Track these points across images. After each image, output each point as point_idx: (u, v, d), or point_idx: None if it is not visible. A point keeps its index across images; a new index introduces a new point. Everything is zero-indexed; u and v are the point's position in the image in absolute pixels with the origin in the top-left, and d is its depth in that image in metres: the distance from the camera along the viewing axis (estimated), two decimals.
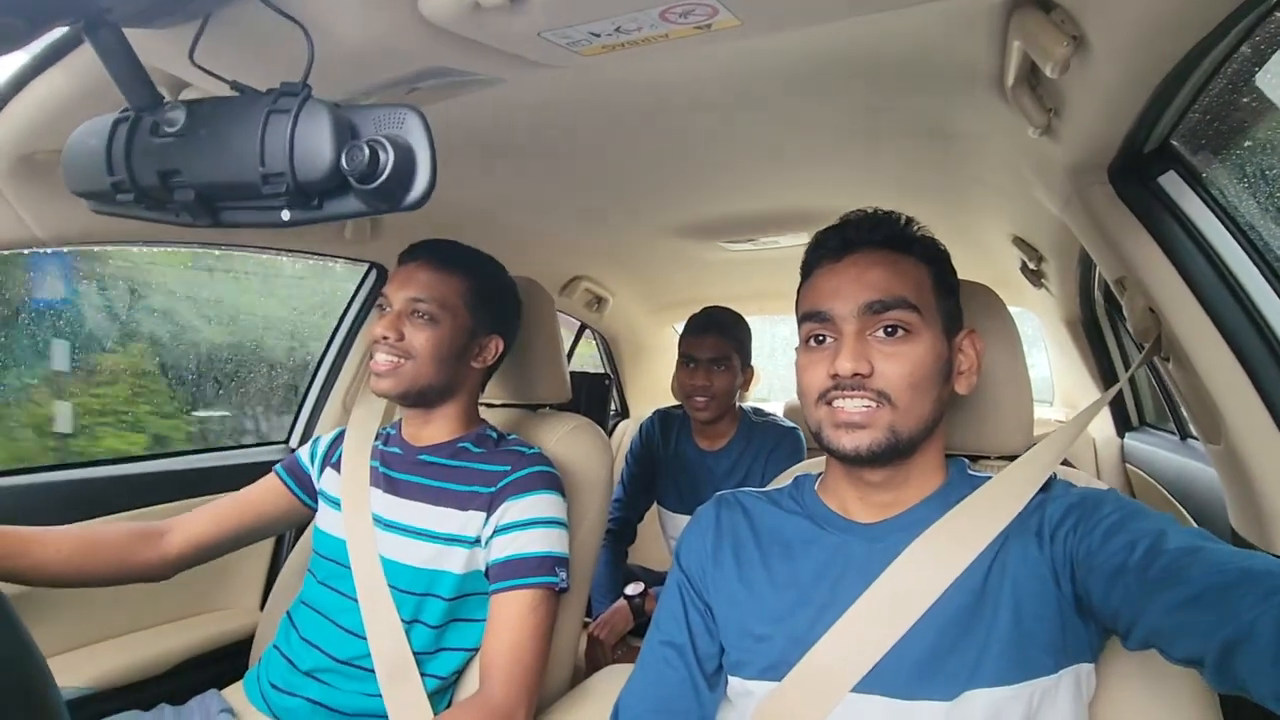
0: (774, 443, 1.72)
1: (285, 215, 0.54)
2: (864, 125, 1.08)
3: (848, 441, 0.69)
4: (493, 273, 1.13)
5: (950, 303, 0.75)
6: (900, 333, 0.69)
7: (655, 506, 1.96)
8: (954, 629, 0.66)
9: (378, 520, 1.05)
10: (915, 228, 0.76)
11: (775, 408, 2.73)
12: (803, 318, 0.75)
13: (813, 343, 0.74)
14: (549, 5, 0.54)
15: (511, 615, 0.96)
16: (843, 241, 0.75)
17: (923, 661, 0.65)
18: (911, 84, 0.91)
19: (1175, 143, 0.86)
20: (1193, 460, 1.37)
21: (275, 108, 0.52)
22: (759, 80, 0.89)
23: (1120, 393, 1.94)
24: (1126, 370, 1.82)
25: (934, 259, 0.76)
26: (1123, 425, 1.97)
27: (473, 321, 1.07)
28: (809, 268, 0.78)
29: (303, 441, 1.63)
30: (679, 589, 0.82)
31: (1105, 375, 1.90)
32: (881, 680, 0.66)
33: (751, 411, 1.83)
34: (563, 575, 1.00)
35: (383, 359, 1.02)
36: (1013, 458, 0.86)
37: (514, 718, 0.92)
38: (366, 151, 0.49)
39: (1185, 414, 0.92)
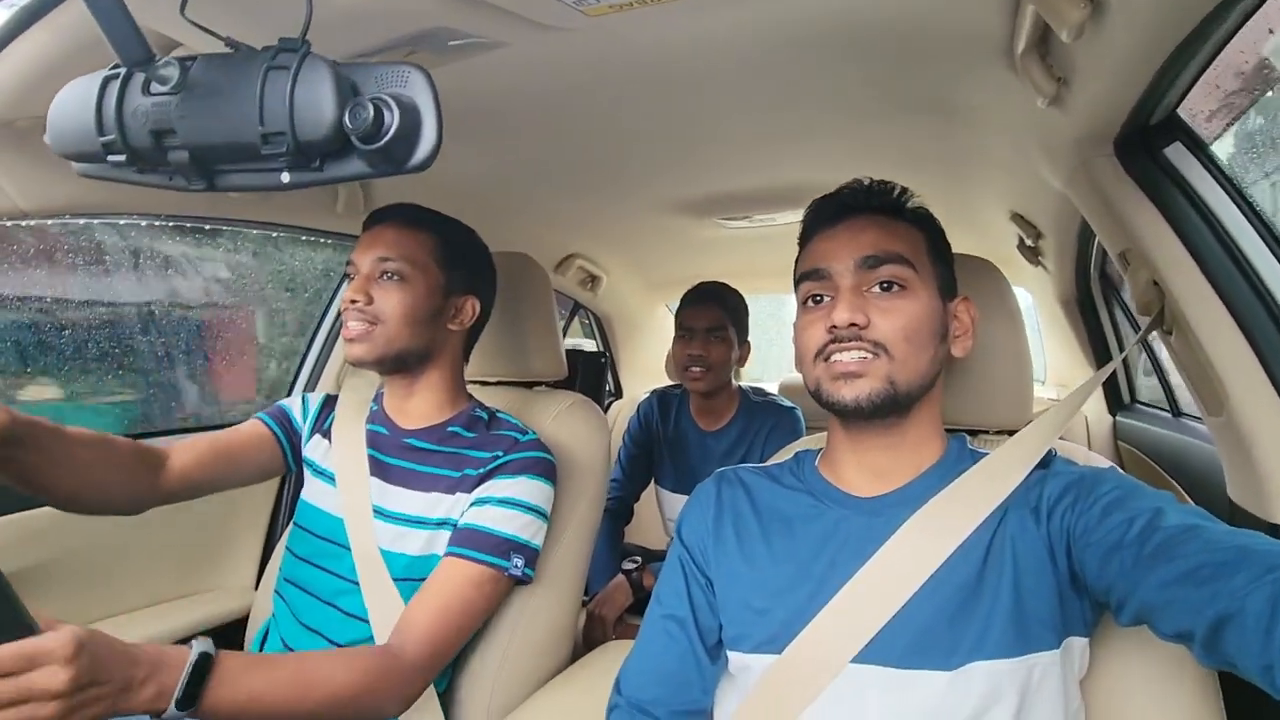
0: (774, 422, 1.73)
1: (285, 178, 0.53)
2: (865, 97, 1.07)
3: (847, 392, 0.70)
4: (464, 231, 1.09)
5: (944, 269, 0.76)
6: (896, 288, 0.71)
7: (653, 486, 1.96)
8: (956, 601, 0.66)
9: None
10: (908, 197, 0.78)
11: (770, 387, 2.76)
12: (800, 279, 0.78)
13: (810, 303, 0.76)
14: None
15: (450, 582, 0.93)
16: (839, 207, 0.78)
17: (923, 632, 0.66)
18: (916, 53, 0.89)
19: (1180, 114, 0.86)
20: (1187, 437, 1.38)
21: (274, 64, 0.50)
22: (761, 50, 0.88)
23: (1114, 372, 1.96)
24: (1121, 347, 1.83)
25: (927, 226, 0.78)
26: (1115, 404, 1.98)
27: (445, 280, 1.03)
28: (806, 235, 0.81)
29: None
30: (680, 563, 0.82)
31: (1098, 353, 1.91)
32: (881, 651, 0.67)
33: (751, 391, 1.83)
34: (518, 562, 0.96)
35: (354, 325, 0.98)
36: (1012, 432, 0.87)
37: (414, 683, 0.88)
38: (371, 110, 0.47)
39: (1186, 387, 0.91)
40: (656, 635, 0.80)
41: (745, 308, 1.80)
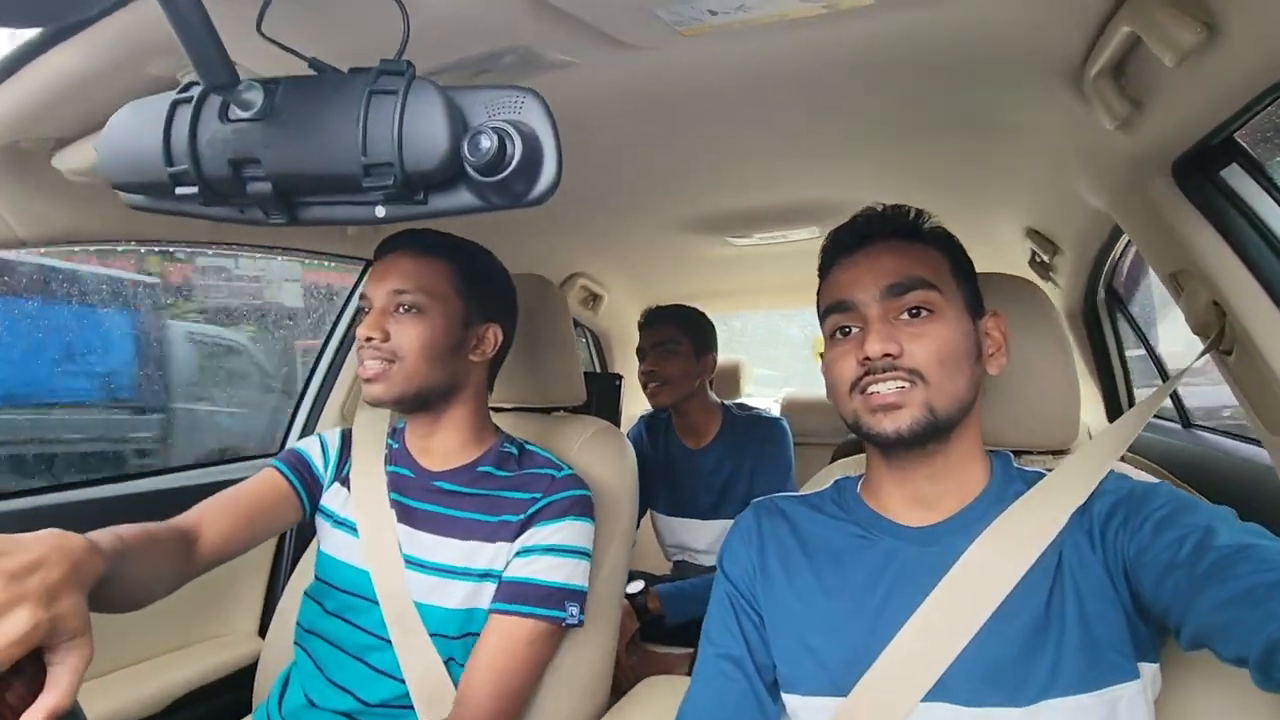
0: (761, 434, 1.75)
1: (380, 212, 0.48)
2: (900, 116, 1.05)
3: (888, 424, 0.68)
4: (480, 255, 1.02)
5: (969, 287, 0.76)
6: (924, 313, 0.70)
7: (649, 514, 1.93)
8: (1025, 632, 0.64)
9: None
10: (926, 219, 0.77)
11: (765, 402, 2.75)
12: (826, 312, 0.76)
13: (839, 335, 0.74)
14: None
15: (507, 641, 0.89)
16: (857, 236, 0.77)
17: (993, 668, 0.64)
18: (970, 73, 0.88)
19: (1238, 137, 0.86)
20: (1200, 447, 1.40)
21: (377, 88, 0.45)
22: (807, 70, 0.85)
23: (1113, 380, 1.99)
24: (1122, 357, 1.86)
25: (947, 245, 0.77)
26: (1115, 414, 2.01)
27: (465, 309, 0.96)
28: (826, 266, 0.80)
29: None
30: (729, 600, 0.79)
31: (1100, 365, 1.94)
32: (949, 689, 0.64)
33: (734, 407, 1.86)
34: (573, 610, 0.92)
35: (370, 364, 0.91)
36: (1058, 452, 0.85)
37: None
38: (495, 139, 0.43)
39: (1243, 407, 0.91)
40: (713, 676, 0.77)
41: (705, 322, 1.83)
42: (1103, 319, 1.83)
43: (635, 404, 2.75)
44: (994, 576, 0.66)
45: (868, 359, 0.68)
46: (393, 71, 0.45)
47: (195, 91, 0.48)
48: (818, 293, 0.80)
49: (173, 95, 0.48)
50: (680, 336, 1.73)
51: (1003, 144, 1.14)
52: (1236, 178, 0.86)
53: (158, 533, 0.80)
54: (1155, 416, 1.87)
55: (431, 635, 0.91)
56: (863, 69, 0.86)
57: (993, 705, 0.63)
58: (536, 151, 0.45)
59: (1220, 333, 0.89)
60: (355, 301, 1.54)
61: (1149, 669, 0.65)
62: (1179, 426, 1.65)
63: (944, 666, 0.64)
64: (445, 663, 0.91)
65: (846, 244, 0.77)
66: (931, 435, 0.68)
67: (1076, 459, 0.71)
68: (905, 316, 0.70)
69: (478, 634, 0.92)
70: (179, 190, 0.48)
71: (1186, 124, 0.76)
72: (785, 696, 0.73)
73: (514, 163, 0.44)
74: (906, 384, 0.68)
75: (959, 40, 0.79)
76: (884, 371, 0.68)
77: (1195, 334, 0.92)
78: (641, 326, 1.82)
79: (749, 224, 1.70)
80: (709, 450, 1.79)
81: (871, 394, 0.69)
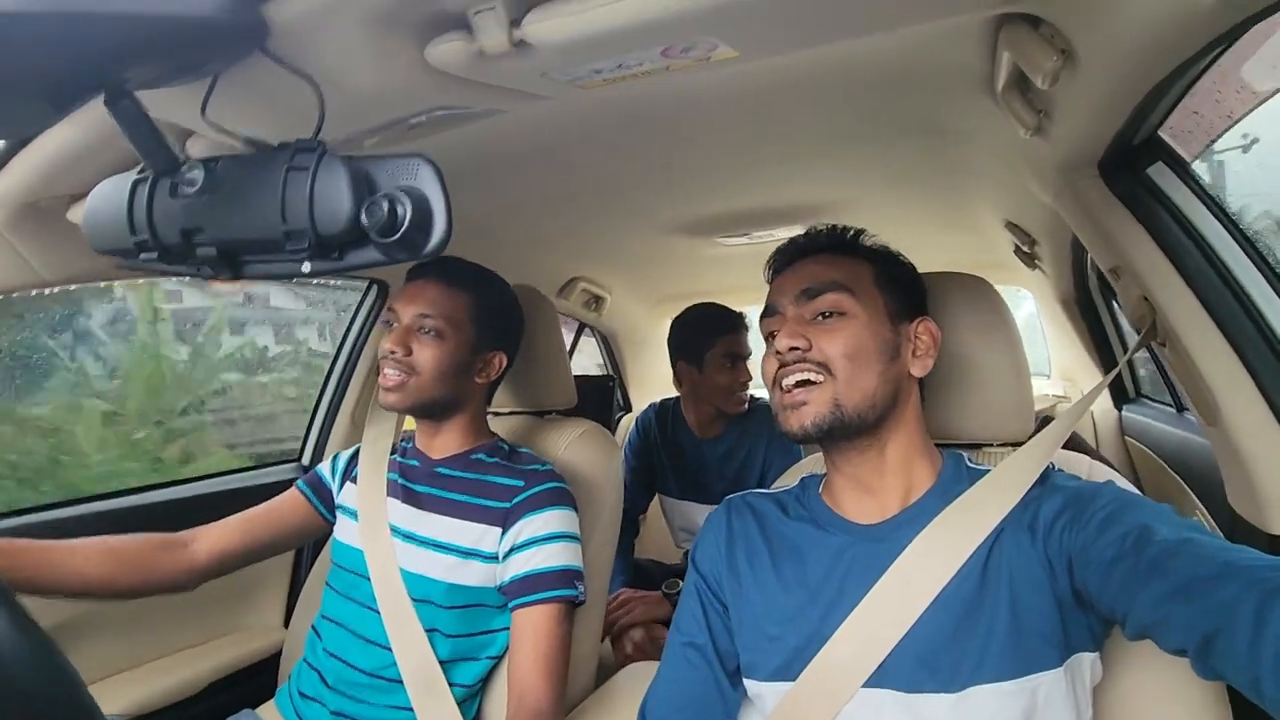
0: (772, 426, 1.76)
1: (306, 267, 0.56)
2: (856, 124, 1.09)
3: (794, 421, 0.74)
4: (498, 289, 1.16)
5: (895, 295, 0.79)
6: (834, 316, 0.76)
7: (658, 498, 1.99)
8: (956, 622, 0.68)
9: (396, 531, 1.08)
10: (865, 238, 0.84)
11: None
12: (761, 318, 0.84)
13: (769, 341, 0.81)
14: (552, 51, 0.55)
15: (538, 628, 0.99)
16: (793, 252, 0.84)
17: (927, 655, 0.68)
18: (904, 85, 0.92)
19: (1163, 135, 0.88)
20: (1190, 434, 1.40)
21: (293, 165, 0.53)
22: (754, 91, 0.91)
23: (1114, 364, 1.97)
24: (1123, 347, 1.85)
25: (879, 259, 0.82)
26: (1120, 398, 2.00)
27: (477, 338, 1.09)
28: (770, 280, 0.86)
29: (315, 458, 1.65)
30: (697, 591, 0.84)
31: (1101, 351, 1.93)
32: (890, 675, 0.68)
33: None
34: (581, 588, 1.03)
35: (390, 374, 1.05)
36: (1014, 444, 0.88)
37: None
38: (386, 206, 0.50)
39: (1182, 395, 0.93)
40: (678, 662, 0.83)
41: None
42: (1098, 304, 1.83)
43: (641, 399, 2.82)
44: (932, 569, 0.70)
45: (778, 353, 0.75)
46: (306, 149, 0.53)
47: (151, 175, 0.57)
48: None
49: (134, 175, 0.57)
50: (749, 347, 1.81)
51: (958, 146, 1.16)
52: (1162, 175, 0.89)
53: (117, 543, 1.03)
54: (1152, 401, 1.86)
55: (418, 601, 1.03)
56: (801, 87, 0.91)
57: (928, 691, 0.67)
58: (426, 212, 0.52)
59: (1153, 325, 0.91)
60: (357, 325, 1.66)
61: (1087, 658, 0.68)
62: (1173, 411, 1.64)
63: (883, 655, 0.68)
64: (429, 633, 1.02)
65: (784, 260, 0.85)
66: (843, 432, 0.73)
67: (1014, 459, 0.75)
68: (819, 319, 0.76)
69: (457, 607, 1.03)
70: (142, 256, 0.57)
71: (1088, 132, 0.79)
72: (746, 681, 0.78)
73: (405, 224, 0.51)
74: (814, 376, 0.74)
75: (882, 58, 0.83)
76: (794, 364, 0.75)
77: (1131, 327, 0.94)
78: (721, 331, 1.78)
79: (734, 225, 1.75)
80: (719, 440, 1.84)
81: (785, 390, 0.75)
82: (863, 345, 0.74)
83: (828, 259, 0.81)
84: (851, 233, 0.84)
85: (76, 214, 0.93)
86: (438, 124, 0.77)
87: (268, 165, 0.54)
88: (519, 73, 0.60)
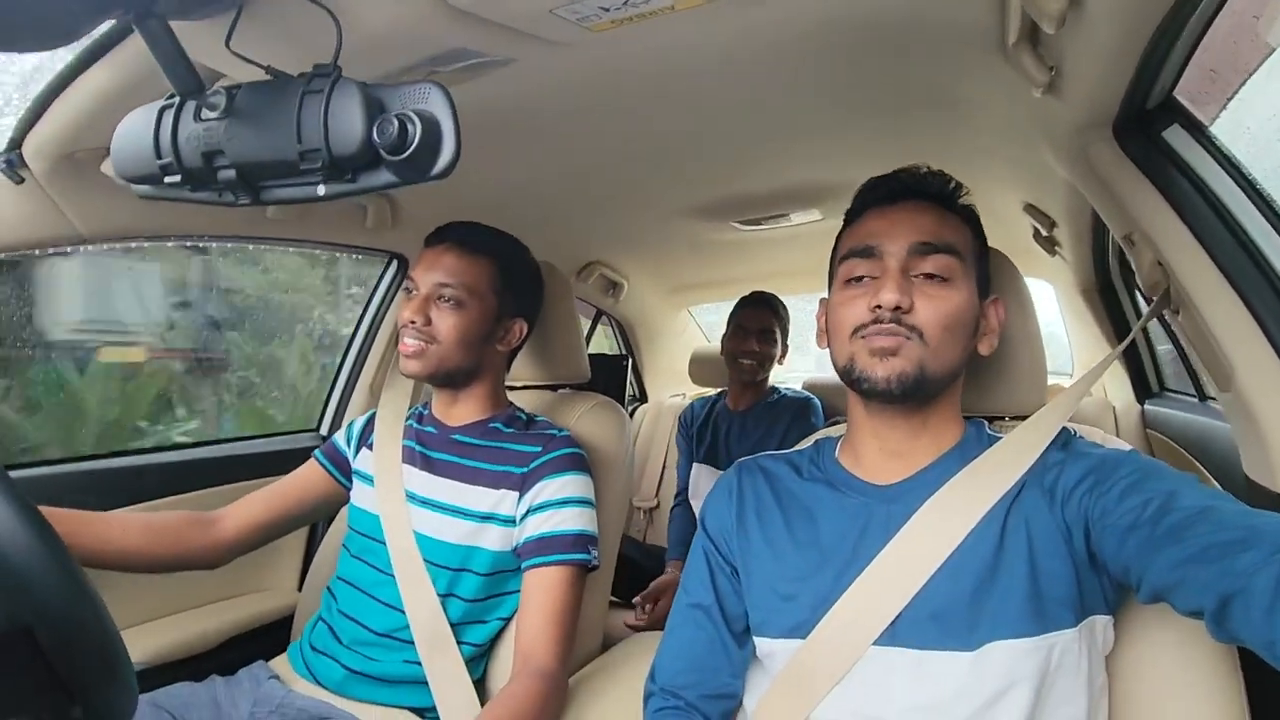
0: (796, 409, 2.01)
1: (321, 190, 0.58)
2: (864, 94, 1.10)
3: (880, 370, 0.70)
4: (518, 255, 1.16)
5: (983, 268, 0.78)
6: (939, 280, 0.72)
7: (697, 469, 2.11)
8: (974, 580, 0.68)
9: (413, 497, 1.09)
10: (964, 192, 0.79)
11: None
12: (847, 255, 0.77)
13: (852, 282, 0.76)
14: None
15: (548, 589, 1.00)
16: (896, 187, 0.78)
17: (943, 613, 0.68)
18: (909, 48, 0.92)
19: (1178, 96, 0.87)
20: (1212, 419, 1.37)
21: (309, 89, 0.56)
22: (757, 50, 0.91)
23: (1139, 359, 1.94)
24: (1146, 332, 1.82)
25: (973, 223, 0.80)
26: (1143, 392, 1.96)
27: (498, 306, 1.10)
28: (856, 212, 0.81)
29: (333, 427, 1.68)
30: (704, 553, 0.85)
31: (1122, 339, 1.89)
32: (904, 633, 0.68)
33: (782, 387, 2.14)
34: (594, 553, 1.04)
35: (410, 342, 1.06)
36: (1026, 417, 0.88)
37: (560, 683, 0.96)
38: (396, 124, 0.53)
39: (1196, 365, 0.92)
40: (684, 624, 0.83)
41: (786, 314, 2.09)
42: (1119, 291, 1.80)
43: (657, 388, 2.83)
44: (945, 530, 0.70)
45: (879, 307, 0.70)
46: (322, 74, 0.56)
47: (177, 99, 0.59)
48: (838, 237, 0.82)
49: (161, 102, 0.60)
50: (775, 325, 2.01)
51: (970, 120, 1.16)
52: (1178, 137, 0.88)
53: (156, 519, 1.07)
54: (1175, 394, 1.82)
55: (431, 564, 1.04)
56: (805, 49, 0.91)
57: (942, 649, 0.67)
58: (436, 133, 0.54)
59: (1166, 292, 0.90)
60: (377, 297, 1.69)
61: (1100, 620, 0.68)
62: (1195, 399, 1.61)
63: (894, 613, 0.68)
64: (443, 598, 1.03)
65: (884, 193, 0.78)
66: (916, 392, 0.71)
67: (1028, 425, 0.75)
68: (923, 277, 0.72)
69: (475, 572, 1.04)
70: (167, 179, 0.60)
71: (1102, 86, 0.79)
72: (756, 639, 0.78)
73: (415, 143, 0.53)
74: (905, 338, 0.70)
75: (886, 17, 0.83)
76: (889, 323, 0.70)
77: (1145, 294, 0.93)
78: (743, 305, 2.04)
79: (750, 207, 1.76)
80: (748, 412, 2.05)
81: (872, 338, 0.71)
82: (960, 318, 0.72)
83: (937, 209, 0.76)
84: (953, 184, 0.78)
85: (110, 167, 0.97)
86: (454, 75, 0.79)
87: (286, 90, 0.57)
88: (528, 9, 0.62)
